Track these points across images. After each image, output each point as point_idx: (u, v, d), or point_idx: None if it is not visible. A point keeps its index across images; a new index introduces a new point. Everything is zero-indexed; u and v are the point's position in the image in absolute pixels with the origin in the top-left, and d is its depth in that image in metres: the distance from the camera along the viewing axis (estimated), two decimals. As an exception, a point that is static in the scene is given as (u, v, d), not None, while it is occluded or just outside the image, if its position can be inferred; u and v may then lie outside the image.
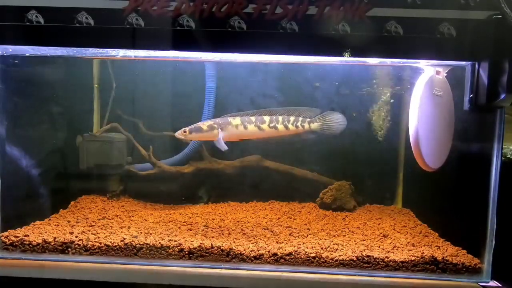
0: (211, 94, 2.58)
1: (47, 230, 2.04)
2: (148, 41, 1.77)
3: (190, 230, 2.12)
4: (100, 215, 2.33)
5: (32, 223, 2.15)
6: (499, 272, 1.84)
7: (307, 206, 2.66)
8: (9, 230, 2.00)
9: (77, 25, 1.73)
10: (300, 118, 2.26)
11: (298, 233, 2.13)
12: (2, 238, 1.94)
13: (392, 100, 2.61)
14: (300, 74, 2.63)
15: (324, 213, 2.54)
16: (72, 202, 2.51)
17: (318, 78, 2.62)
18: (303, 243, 1.97)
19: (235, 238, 2.02)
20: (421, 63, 1.93)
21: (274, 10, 1.71)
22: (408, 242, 2.02)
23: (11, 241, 1.93)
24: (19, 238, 1.93)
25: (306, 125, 2.25)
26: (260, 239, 2.02)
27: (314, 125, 2.26)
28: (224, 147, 2.21)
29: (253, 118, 2.26)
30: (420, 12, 1.70)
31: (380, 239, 2.08)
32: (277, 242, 1.99)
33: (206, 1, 1.71)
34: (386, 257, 1.86)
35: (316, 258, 1.87)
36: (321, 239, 2.04)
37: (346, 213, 2.56)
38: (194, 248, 1.89)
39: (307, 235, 2.10)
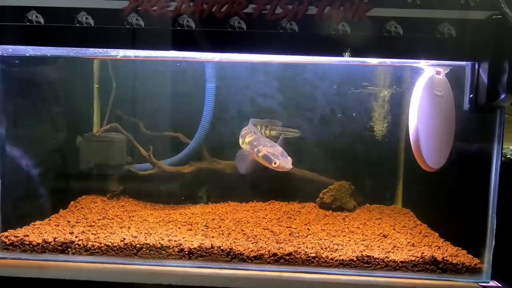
0: (211, 94, 2.58)
1: (47, 230, 2.04)
2: (148, 41, 1.77)
3: (190, 230, 2.12)
4: (100, 215, 2.33)
5: (32, 223, 2.14)
6: (499, 272, 1.84)
7: (307, 206, 2.66)
8: (9, 230, 2.00)
9: (77, 25, 1.73)
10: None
11: (298, 233, 2.13)
12: (2, 238, 1.94)
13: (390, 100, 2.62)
14: (301, 74, 2.64)
15: (324, 213, 2.54)
16: (72, 202, 2.51)
17: (318, 78, 2.63)
18: (303, 243, 1.97)
19: (235, 238, 2.02)
20: (421, 63, 1.93)
21: (274, 10, 1.71)
22: (408, 242, 2.02)
23: (11, 241, 1.93)
24: (19, 238, 1.93)
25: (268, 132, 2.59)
26: (260, 239, 2.02)
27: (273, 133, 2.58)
28: None
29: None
30: (420, 12, 1.70)
31: (380, 239, 2.08)
32: (277, 242, 1.99)
33: (206, 1, 1.71)
34: (386, 257, 1.86)
35: (316, 258, 1.87)
36: (321, 239, 2.04)
37: (346, 213, 2.56)
38: (194, 248, 1.89)
39: (307, 235, 2.10)
